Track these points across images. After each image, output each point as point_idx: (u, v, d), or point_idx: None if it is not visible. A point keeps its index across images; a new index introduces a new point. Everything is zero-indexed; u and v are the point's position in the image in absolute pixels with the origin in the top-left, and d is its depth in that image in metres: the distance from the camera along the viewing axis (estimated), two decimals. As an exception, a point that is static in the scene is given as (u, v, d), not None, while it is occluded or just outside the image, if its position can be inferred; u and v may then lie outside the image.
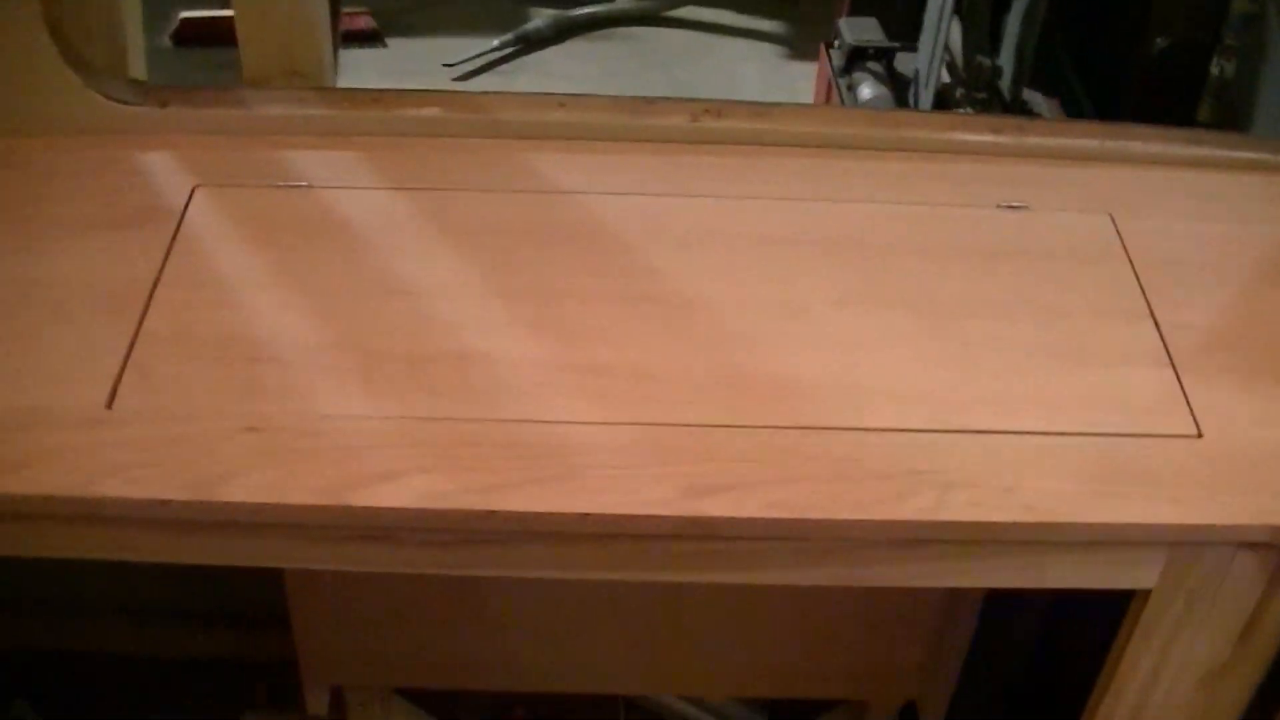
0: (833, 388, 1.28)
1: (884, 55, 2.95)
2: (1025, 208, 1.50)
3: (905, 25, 3.04)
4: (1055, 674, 1.82)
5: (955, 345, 1.33)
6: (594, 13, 4.58)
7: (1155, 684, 1.32)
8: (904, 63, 2.98)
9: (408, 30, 4.45)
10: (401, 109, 1.55)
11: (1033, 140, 1.56)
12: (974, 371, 1.30)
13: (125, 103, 1.53)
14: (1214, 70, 2.54)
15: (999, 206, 1.50)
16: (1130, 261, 1.43)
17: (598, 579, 1.29)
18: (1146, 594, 1.26)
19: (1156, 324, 1.36)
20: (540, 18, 4.54)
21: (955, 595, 1.79)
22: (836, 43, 3.03)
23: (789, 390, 1.27)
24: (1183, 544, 1.21)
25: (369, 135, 1.54)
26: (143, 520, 1.18)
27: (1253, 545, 1.20)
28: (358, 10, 4.36)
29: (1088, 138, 1.57)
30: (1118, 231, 1.47)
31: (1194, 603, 1.25)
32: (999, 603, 1.79)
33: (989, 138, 1.57)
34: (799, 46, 4.50)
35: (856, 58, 2.96)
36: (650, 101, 1.57)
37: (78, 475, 1.16)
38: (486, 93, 1.59)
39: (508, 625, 1.90)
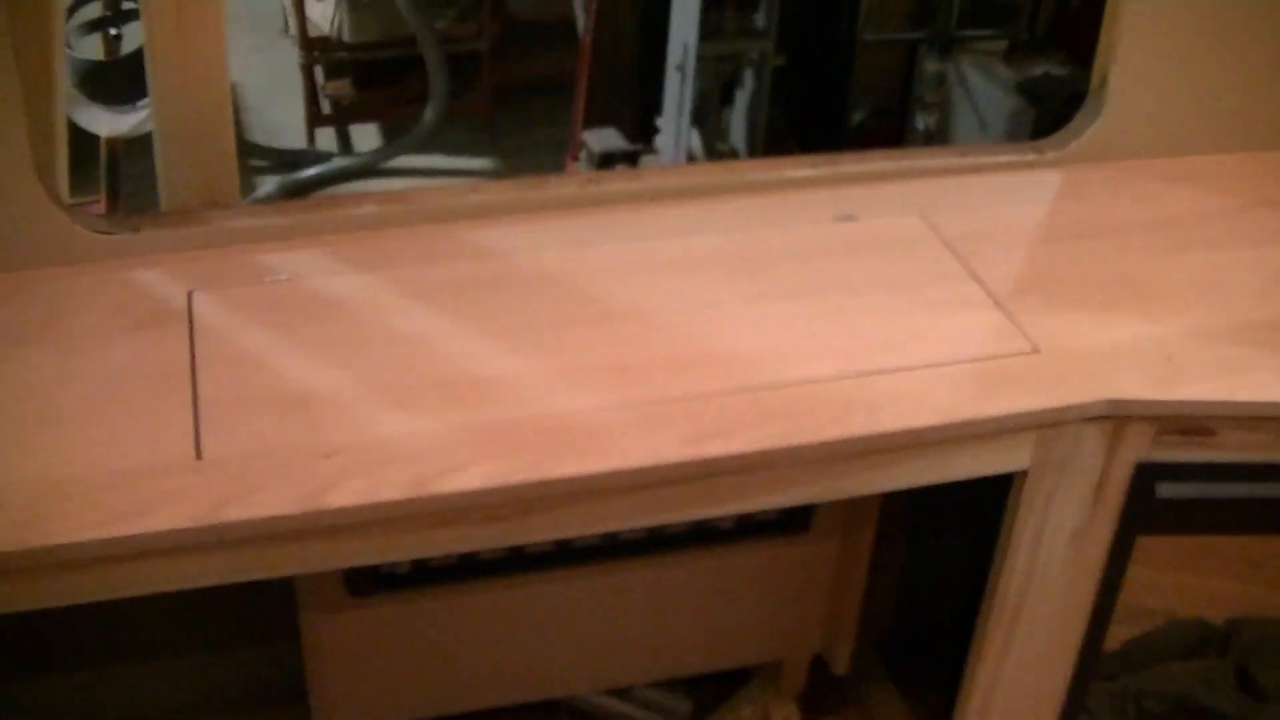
0: (765, 357, 1.64)
1: (630, 157, 3.37)
2: (855, 218, 1.91)
3: (638, 130, 3.49)
4: (927, 612, 2.21)
5: (839, 316, 1.72)
6: (317, 173, 4.84)
7: (1038, 548, 1.73)
8: (647, 162, 3.41)
9: (150, 207, 4.62)
10: (343, 209, 1.85)
11: (844, 169, 1.99)
12: (859, 331, 1.70)
13: (104, 232, 1.77)
14: (919, 126, 3.07)
15: (835, 219, 1.91)
16: (944, 243, 1.86)
17: (629, 524, 1.59)
18: (1024, 474, 1.66)
19: (979, 281, 1.79)
20: (268, 184, 4.77)
21: (845, 551, 2.16)
22: (583, 153, 3.44)
23: (732, 363, 1.63)
24: (1045, 426, 1.62)
25: (320, 234, 1.82)
26: (259, 539, 1.43)
27: (1094, 419, 1.63)
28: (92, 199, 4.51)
29: (886, 161, 2.01)
30: (930, 225, 1.90)
31: (1059, 474, 1.67)
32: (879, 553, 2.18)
33: (810, 171, 1.98)
34: (510, 175, 4.89)
35: (605, 163, 3.37)
36: (543, 177, 1.92)
37: (200, 507, 1.40)
38: (409, 189, 1.90)
39: (476, 646, 2.14)
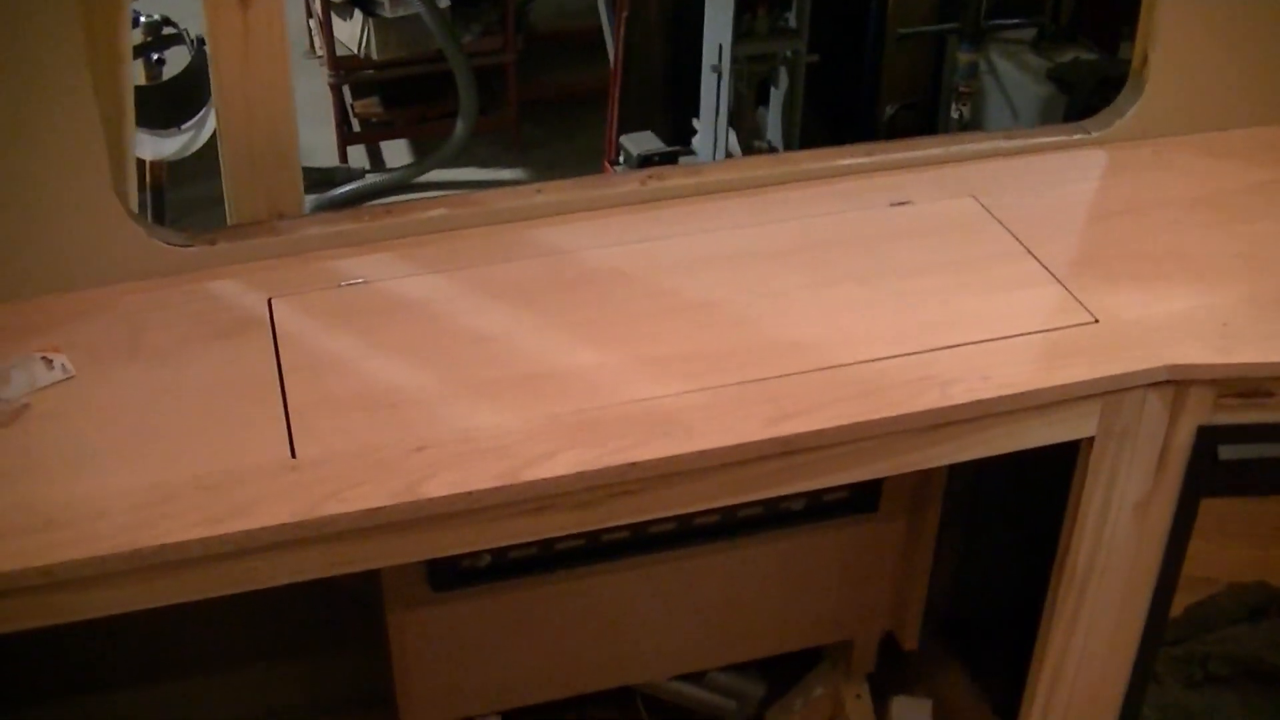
0: (833, 340, 1.69)
1: (669, 159, 3.41)
2: (910, 202, 1.96)
3: (674, 133, 3.54)
4: (991, 588, 2.25)
5: (902, 298, 1.77)
6: (351, 190, 4.89)
7: (1105, 517, 1.77)
8: (686, 163, 3.46)
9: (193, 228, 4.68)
10: (414, 214, 1.90)
11: (896, 155, 2.03)
12: (923, 311, 1.74)
13: (182, 246, 1.82)
14: (954, 115, 3.11)
15: (891, 205, 1.95)
16: (1000, 222, 1.91)
17: (717, 504, 1.63)
18: (1090, 442, 1.70)
19: (1037, 259, 1.83)
20: (304, 202, 4.82)
21: (911, 530, 2.20)
22: (621, 157, 3.49)
23: (802, 347, 1.67)
24: (1110, 393, 1.66)
25: (392, 239, 1.88)
26: (357, 532, 1.48)
27: (1156, 385, 1.67)
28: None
29: (936, 147, 2.05)
30: (984, 206, 1.94)
31: (1124, 441, 1.71)
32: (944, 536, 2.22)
33: (864, 159, 2.03)
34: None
35: (645, 165, 3.41)
36: (604, 176, 1.97)
37: (300, 504, 1.45)
38: (478, 190, 1.95)
39: (554, 636, 2.19)
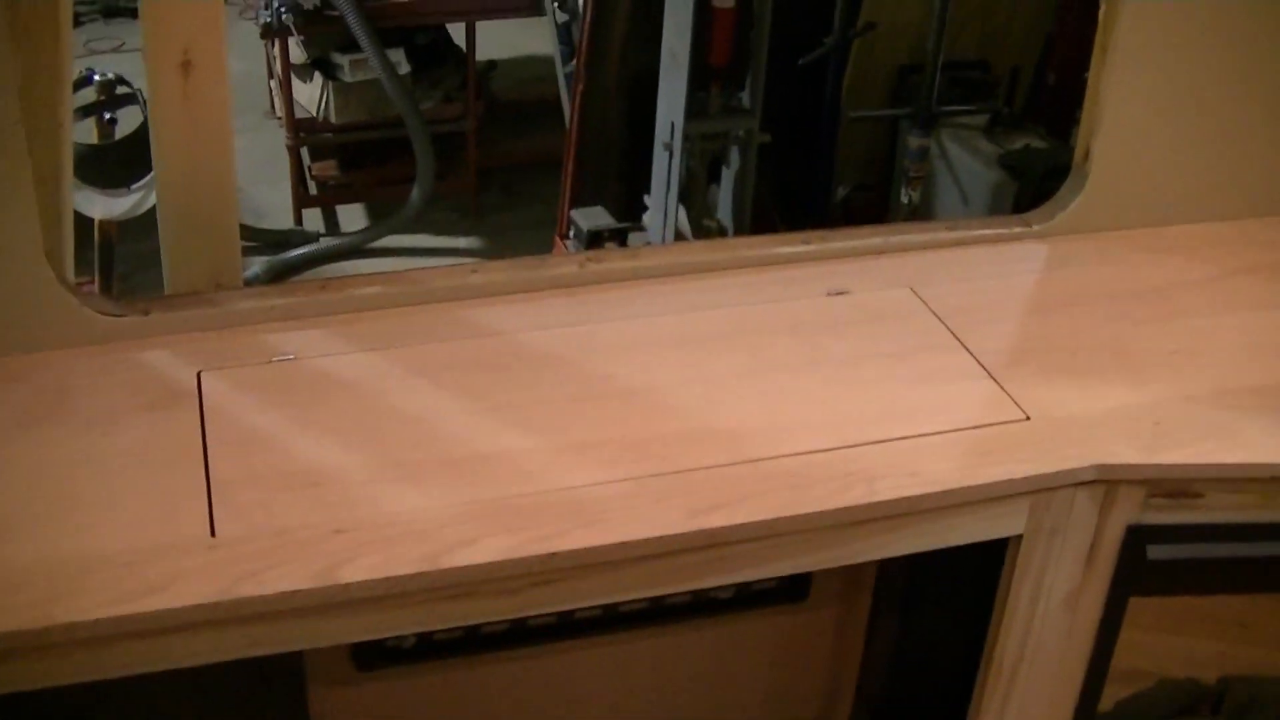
0: (763, 430, 1.68)
1: (619, 235, 3.42)
2: (847, 292, 1.96)
3: (624, 208, 3.55)
4: (922, 678, 2.23)
5: (835, 388, 1.77)
6: (305, 254, 4.88)
7: (1034, 611, 1.76)
8: (636, 239, 3.47)
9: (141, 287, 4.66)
10: (350, 290, 1.89)
11: (835, 244, 2.04)
12: (855, 404, 1.74)
13: (114, 315, 1.81)
14: (904, 199, 3.14)
15: (828, 294, 1.96)
16: (936, 315, 1.91)
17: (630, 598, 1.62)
18: (1019, 539, 1.70)
19: (970, 352, 1.84)
20: (256, 265, 4.82)
21: (842, 619, 2.19)
22: (572, 232, 3.49)
23: (732, 436, 1.67)
24: (1039, 491, 1.66)
25: (327, 315, 1.86)
26: (274, 614, 1.45)
27: (1086, 484, 1.67)
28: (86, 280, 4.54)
29: (875, 236, 2.06)
30: (920, 298, 1.95)
31: (1052, 537, 1.71)
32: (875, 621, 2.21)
33: (801, 247, 2.03)
34: (495, 254, 4.94)
35: (595, 241, 3.42)
36: (543, 258, 1.97)
37: (215, 586, 1.43)
38: (412, 270, 1.95)
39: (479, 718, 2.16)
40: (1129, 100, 2.06)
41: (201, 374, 1.75)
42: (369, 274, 1.94)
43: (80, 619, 1.39)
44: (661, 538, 1.52)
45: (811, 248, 2.04)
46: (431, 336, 1.84)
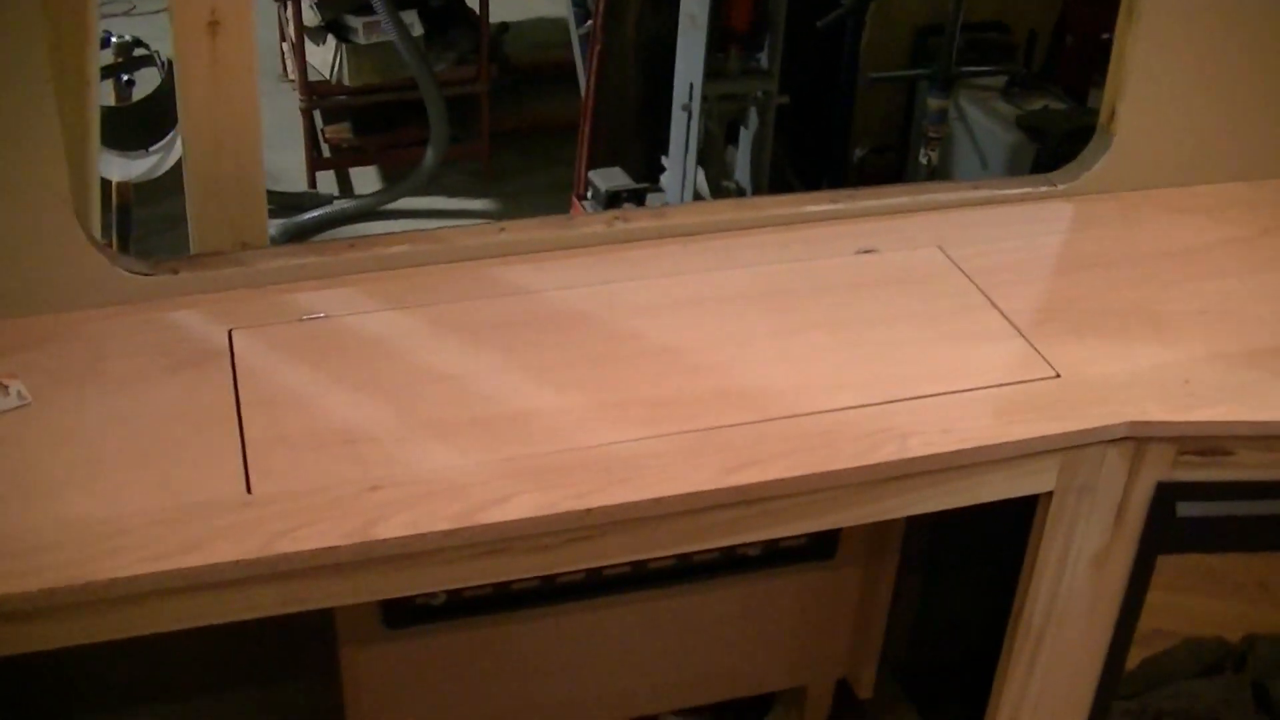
0: (794, 388, 1.68)
1: (637, 196, 3.41)
2: (876, 250, 1.96)
3: (640, 170, 3.53)
4: (948, 638, 2.24)
5: (866, 348, 1.77)
6: (319, 216, 4.87)
7: (1063, 569, 1.77)
8: (654, 200, 3.46)
9: (157, 251, 4.65)
10: (378, 249, 1.89)
11: (862, 203, 2.03)
12: (887, 362, 1.74)
13: (144, 274, 1.81)
14: (922, 160, 3.12)
15: (857, 253, 1.95)
16: (965, 274, 1.91)
17: (669, 553, 1.62)
18: (1049, 496, 1.70)
19: (1001, 311, 1.83)
20: (271, 227, 4.81)
21: (869, 577, 2.20)
22: (590, 193, 3.48)
23: (763, 395, 1.67)
24: (1069, 448, 1.66)
25: (355, 274, 1.87)
26: (310, 570, 1.46)
27: (1116, 441, 1.67)
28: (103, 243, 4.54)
29: (903, 195, 2.06)
30: (949, 257, 1.95)
31: (1082, 495, 1.71)
32: (902, 580, 2.22)
33: (829, 206, 2.03)
34: (510, 217, 4.93)
35: (613, 202, 3.41)
36: (570, 216, 1.96)
37: (251, 543, 1.44)
38: (440, 228, 1.94)
39: (508, 676, 2.17)
40: (1155, 61, 2.05)
41: (233, 333, 1.75)
42: (397, 233, 1.93)
43: (119, 575, 1.40)
44: (695, 494, 1.53)
45: (839, 206, 2.04)
46: (460, 295, 1.84)
